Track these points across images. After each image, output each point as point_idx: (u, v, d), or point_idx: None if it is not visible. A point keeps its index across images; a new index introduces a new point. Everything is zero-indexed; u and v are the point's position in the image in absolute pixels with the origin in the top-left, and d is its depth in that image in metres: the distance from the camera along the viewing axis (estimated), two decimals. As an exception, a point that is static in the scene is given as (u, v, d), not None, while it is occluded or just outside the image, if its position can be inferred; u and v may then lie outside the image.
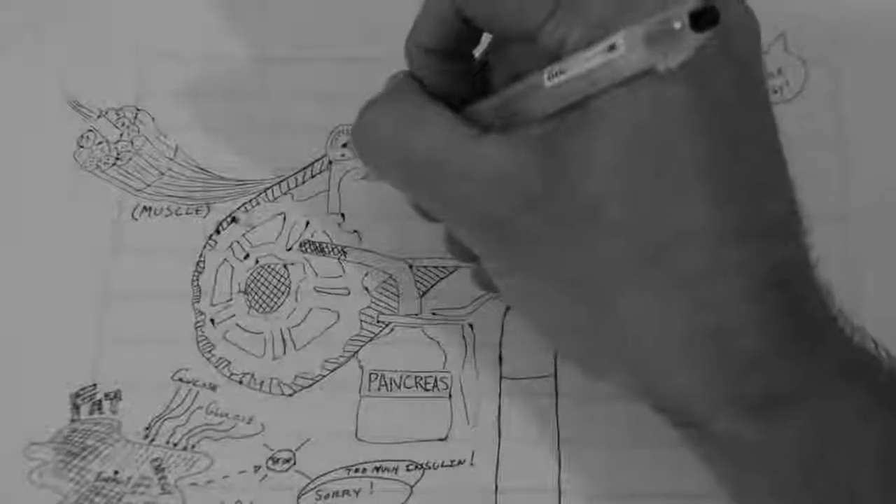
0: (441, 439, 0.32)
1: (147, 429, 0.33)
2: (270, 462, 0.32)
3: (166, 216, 0.35)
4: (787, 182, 0.24)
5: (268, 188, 0.36)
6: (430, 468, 0.32)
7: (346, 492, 0.32)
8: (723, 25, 0.20)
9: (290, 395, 0.33)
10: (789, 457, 0.24)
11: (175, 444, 0.32)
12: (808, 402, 0.23)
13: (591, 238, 0.23)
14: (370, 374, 0.33)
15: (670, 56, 0.20)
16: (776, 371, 0.23)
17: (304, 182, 0.36)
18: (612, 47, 0.21)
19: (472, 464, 0.32)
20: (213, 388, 0.33)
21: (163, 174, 0.36)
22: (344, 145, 0.36)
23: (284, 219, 0.35)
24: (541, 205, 0.24)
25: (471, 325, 0.34)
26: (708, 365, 0.23)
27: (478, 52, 0.29)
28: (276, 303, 0.34)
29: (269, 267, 0.35)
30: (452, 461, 0.32)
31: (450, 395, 0.33)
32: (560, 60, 0.23)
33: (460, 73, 0.28)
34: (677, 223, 0.23)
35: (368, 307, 0.34)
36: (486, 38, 0.28)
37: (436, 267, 0.34)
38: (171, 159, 0.36)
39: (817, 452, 0.23)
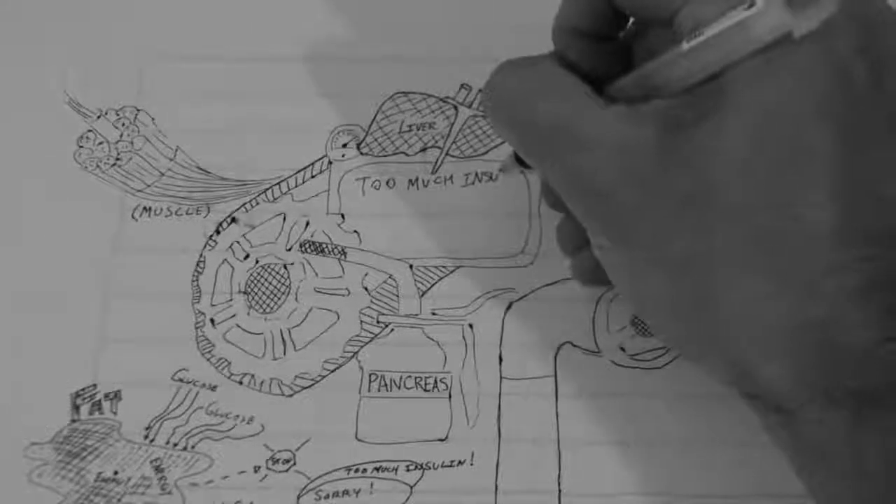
0: (441, 439, 0.32)
1: (147, 429, 0.33)
2: (270, 462, 0.32)
3: (166, 216, 0.35)
4: None
5: (268, 188, 0.36)
6: (429, 468, 0.32)
7: (345, 492, 0.32)
8: (863, 22, 0.20)
9: (290, 395, 0.33)
10: (876, 456, 0.23)
11: (175, 445, 0.32)
12: None
13: (705, 219, 0.23)
14: (370, 375, 0.33)
15: (809, 15, 0.20)
16: (874, 370, 0.23)
17: (304, 182, 0.36)
18: (750, 5, 0.21)
19: (472, 464, 0.32)
20: (213, 388, 0.33)
21: (163, 174, 0.36)
22: (344, 145, 0.36)
23: (284, 219, 0.35)
24: (654, 179, 0.24)
25: (471, 325, 0.34)
26: (808, 356, 0.23)
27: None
28: (276, 303, 0.34)
29: (269, 267, 0.35)
30: (452, 461, 0.32)
31: (450, 396, 0.33)
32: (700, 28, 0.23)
33: (603, 56, 0.28)
34: (797, 214, 0.22)
35: (368, 307, 0.34)
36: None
37: (436, 267, 0.34)
38: (171, 159, 0.36)
39: None
